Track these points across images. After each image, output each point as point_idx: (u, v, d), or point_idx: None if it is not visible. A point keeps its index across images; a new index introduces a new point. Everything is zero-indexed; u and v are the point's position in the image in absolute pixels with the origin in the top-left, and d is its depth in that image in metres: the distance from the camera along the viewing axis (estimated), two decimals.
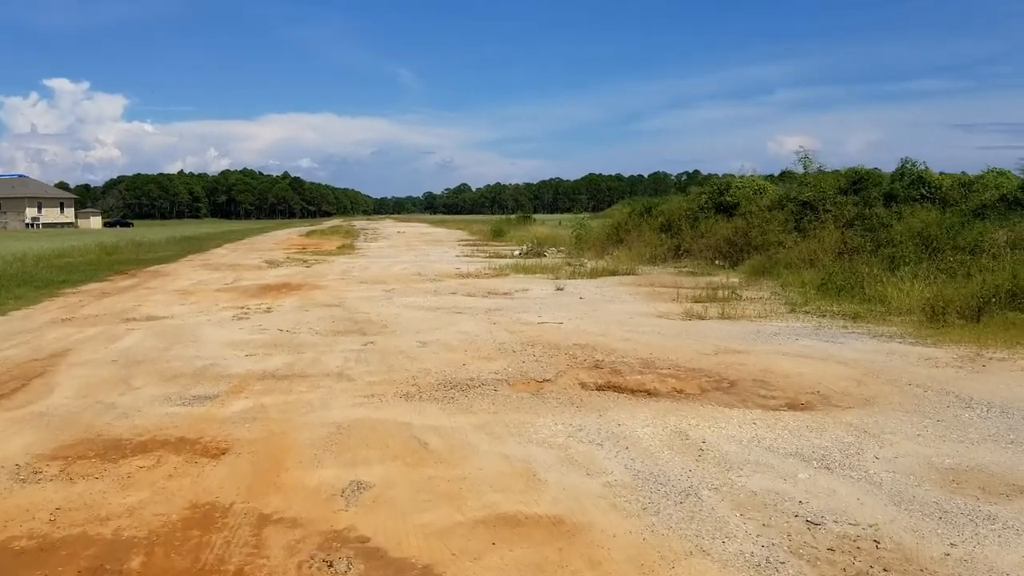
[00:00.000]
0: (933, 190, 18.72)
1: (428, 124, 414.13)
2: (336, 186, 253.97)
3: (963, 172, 19.08)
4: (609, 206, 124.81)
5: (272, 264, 27.51)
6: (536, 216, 78.63)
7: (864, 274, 14.69)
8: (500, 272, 22.10)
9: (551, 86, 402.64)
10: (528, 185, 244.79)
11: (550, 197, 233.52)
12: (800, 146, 23.34)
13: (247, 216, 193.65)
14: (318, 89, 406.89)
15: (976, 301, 11.14)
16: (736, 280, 18.53)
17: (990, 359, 8.89)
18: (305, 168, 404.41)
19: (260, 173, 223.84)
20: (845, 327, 11.44)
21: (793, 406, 7.07)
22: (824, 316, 12.49)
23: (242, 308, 14.75)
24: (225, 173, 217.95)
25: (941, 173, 19.39)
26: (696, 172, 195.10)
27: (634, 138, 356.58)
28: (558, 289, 17.30)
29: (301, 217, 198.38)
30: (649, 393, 7.72)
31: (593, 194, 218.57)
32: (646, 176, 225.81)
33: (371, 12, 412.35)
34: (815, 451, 5.62)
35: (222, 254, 35.24)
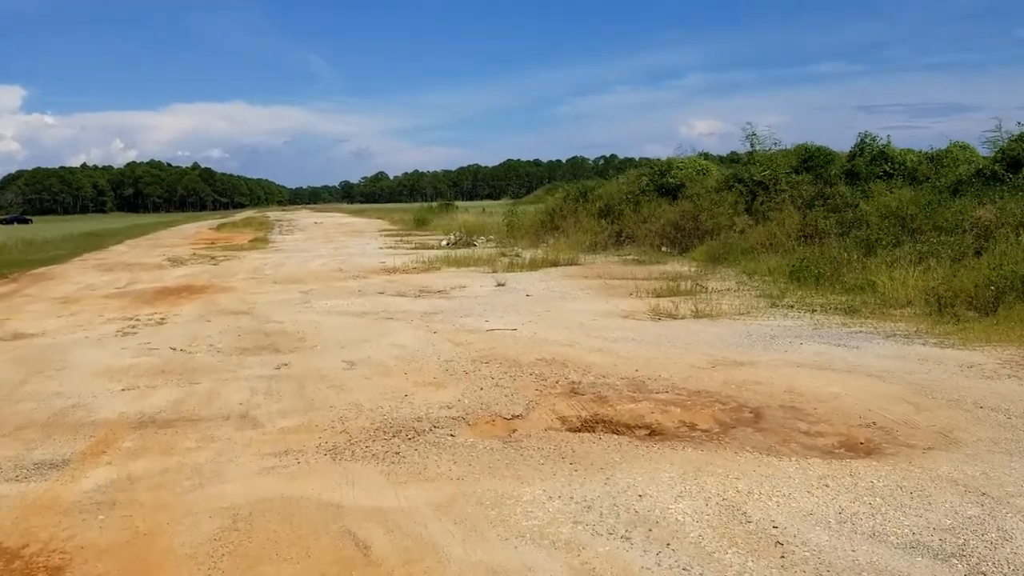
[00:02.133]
0: (896, 166, 17.49)
1: (342, 112, 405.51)
2: (249, 177, 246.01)
3: (932, 147, 17.94)
4: (529, 192, 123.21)
5: (175, 262, 24.79)
6: (459, 203, 76.35)
7: (841, 260, 13.22)
8: (430, 266, 20.06)
9: (466, 73, 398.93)
10: (447, 172, 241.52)
11: (469, 184, 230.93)
12: (749, 124, 21.98)
13: (156, 209, 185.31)
14: (227, 77, 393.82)
15: (990, 291, 9.68)
16: (691, 269, 16.95)
17: None
18: (216, 159, 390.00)
19: (169, 164, 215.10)
20: (845, 325, 9.85)
21: (854, 448, 5.34)
22: (814, 311, 10.91)
23: (130, 320, 12.39)
24: (131, 165, 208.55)
25: (906, 149, 18.21)
26: (613, 156, 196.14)
27: (550, 124, 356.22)
28: (499, 285, 15.39)
29: (213, 209, 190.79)
30: (653, 432, 5.89)
31: (512, 180, 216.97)
32: (564, 161, 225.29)
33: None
34: (943, 539, 3.84)
35: (121, 252, 32.09)
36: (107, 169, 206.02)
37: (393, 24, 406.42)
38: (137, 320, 12.37)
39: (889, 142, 18.32)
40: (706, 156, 26.49)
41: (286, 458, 5.50)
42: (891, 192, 15.91)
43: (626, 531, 4.04)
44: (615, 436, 5.76)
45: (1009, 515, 4.05)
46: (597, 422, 6.19)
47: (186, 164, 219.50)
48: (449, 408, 6.61)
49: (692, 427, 5.97)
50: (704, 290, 13.40)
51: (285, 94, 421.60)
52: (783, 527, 3.99)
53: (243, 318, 12.23)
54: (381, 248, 28.34)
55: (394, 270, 19.47)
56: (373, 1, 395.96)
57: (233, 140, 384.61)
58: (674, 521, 4.13)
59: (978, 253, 12.62)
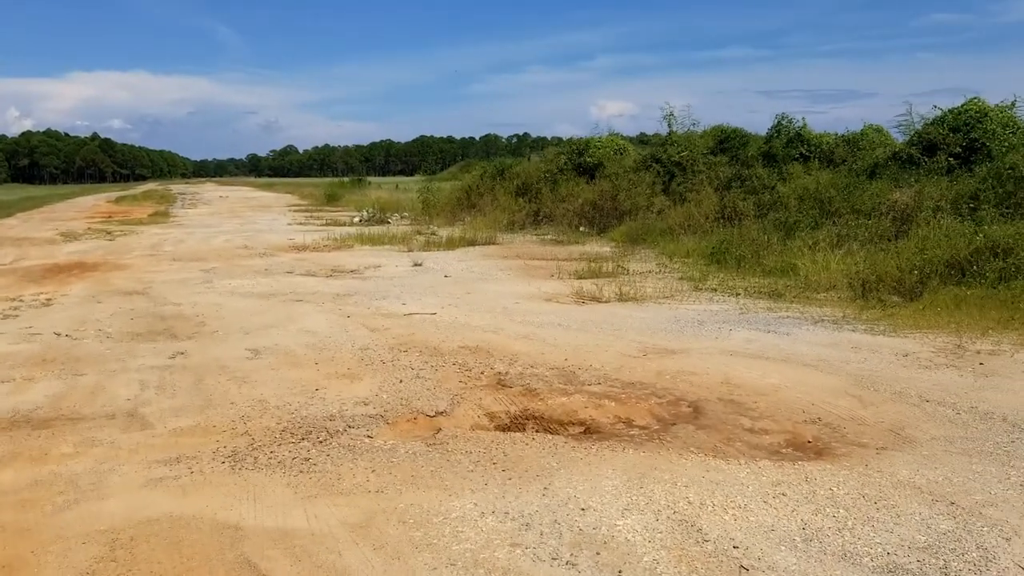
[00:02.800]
0: (812, 148, 17.55)
1: (250, 83, 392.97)
2: (151, 148, 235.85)
3: (848, 130, 18.05)
4: (443, 168, 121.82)
5: (68, 237, 23.16)
6: (371, 179, 74.71)
7: (761, 243, 13.10)
8: (342, 243, 19.23)
9: (378, 47, 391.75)
10: (358, 147, 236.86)
11: (382, 159, 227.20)
12: (667, 104, 21.58)
13: (53, 181, 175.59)
14: (129, 45, 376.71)
15: (914, 275, 9.62)
16: (611, 249, 16.68)
17: (979, 352, 7.24)
18: (117, 129, 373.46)
19: (66, 134, 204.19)
20: (771, 309, 9.65)
21: (802, 447, 5.01)
22: (738, 295, 10.69)
23: (12, 301, 11.28)
24: (27, 134, 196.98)
25: (822, 132, 18.30)
26: (526, 135, 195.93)
27: (463, 101, 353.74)
28: (415, 264, 14.77)
29: (113, 181, 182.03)
30: (588, 430, 5.46)
31: (426, 156, 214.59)
32: (477, 139, 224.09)
33: None
34: (923, 560, 3.47)
35: (10, 226, 29.88)
36: (0, 139, 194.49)
37: None
38: (20, 301, 11.28)
39: (805, 124, 18.44)
40: (619, 137, 26.31)
41: (178, 467, 4.84)
42: (808, 175, 15.94)
43: (571, 555, 3.56)
44: (548, 435, 5.30)
45: (985, 529, 3.74)
46: (528, 418, 5.71)
47: (85, 134, 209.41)
48: (366, 404, 6.03)
49: (629, 423, 5.55)
50: (626, 272, 13.10)
51: (190, 63, 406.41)
52: (745, 547, 3.59)
53: (137, 299, 11.30)
54: (290, 224, 27.20)
55: (304, 247, 18.58)
56: None
57: (135, 110, 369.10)
58: (624, 541, 3.68)
59: (896, 236, 12.68)
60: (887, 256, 10.55)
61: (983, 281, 9.34)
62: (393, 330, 8.75)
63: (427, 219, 25.52)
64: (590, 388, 6.36)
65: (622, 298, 10.61)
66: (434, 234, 20.98)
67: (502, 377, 6.74)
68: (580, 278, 12.65)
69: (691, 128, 20.63)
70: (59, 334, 8.92)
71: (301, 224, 27.18)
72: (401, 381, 6.65)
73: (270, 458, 4.94)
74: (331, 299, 10.98)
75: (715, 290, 11.13)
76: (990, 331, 7.93)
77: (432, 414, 5.78)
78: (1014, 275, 9.29)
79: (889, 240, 12.58)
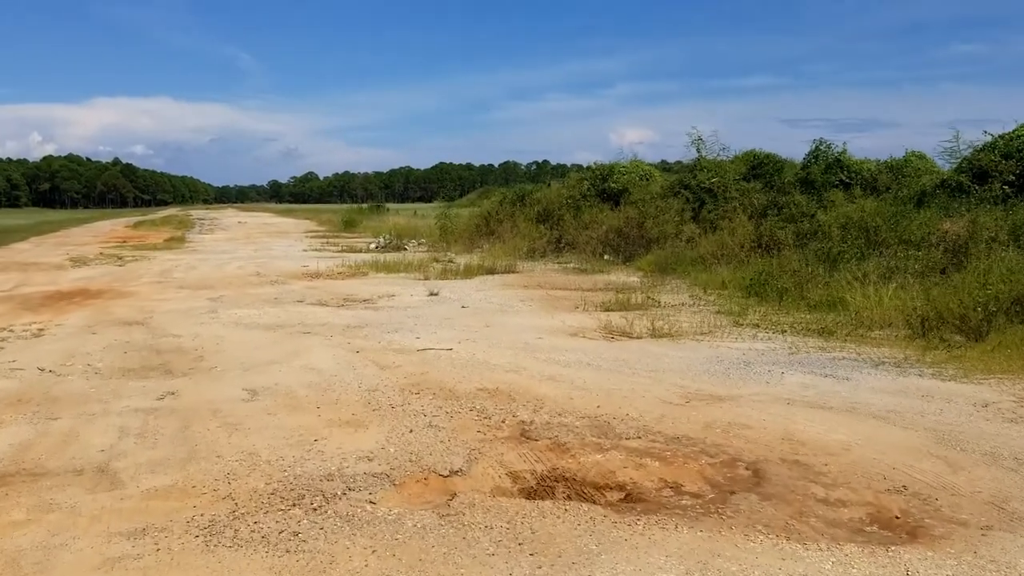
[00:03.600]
0: (853, 175, 16.68)
1: (270, 110, 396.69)
2: (173, 174, 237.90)
3: (891, 156, 17.18)
4: (461, 195, 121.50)
5: (77, 262, 22.62)
6: (389, 205, 74.37)
7: (804, 274, 12.23)
8: (357, 271, 18.52)
9: (398, 74, 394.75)
10: (378, 174, 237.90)
11: (401, 186, 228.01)
12: (695, 129, 20.33)
13: (74, 205, 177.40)
14: (152, 72, 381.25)
15: (978, 313, 8.72)
16: (638, 279, 15.85)
17: None
18: (139, 155, 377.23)
19: (88, 159, 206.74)
20: (824, 349, 8.77)
21: (890, 525, 4.15)
22: (784, 332, 9.82)
23: (2, 331, 10.60)
24: (48, 159, 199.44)
25: (862, 158, 17.44)
26: (545, 162, 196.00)
27: (482, 128, 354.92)
28: (432, 294, 13.99)
29: (135, 206, 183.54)
30: (629, 496, 4.61)
31: (444, 183, 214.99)
32: (496, 166, 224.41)
33: None
34: None
35: (22, 250, 29.47)
36: (22, 162, 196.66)
37: (324, 22, 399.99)
38: (10, 331, 10.60)
39: (845, 149, 17.57)
40: (643, 163, 25.56)
41: (142, 541, 4.04)
42: (851, 202, 15.07)
43: None
44: (583, 504, 4.46)
45: None
46: (557, 480, 4.88)
47: (107, 160, 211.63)
48: (370, 460, 5.22)
49: (678, 489, 4.71)
50: (657, 304, 12.26)
51: (212, 91, 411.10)
52: None
53: (136, 330, 10.58)
54: (305, 251, 26.58)
55: (317, 275, 17.89)
56: None
57: (157, 136, 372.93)
58: None
59: (949, 269, 11.79)
60: (945, 291, 9.65)
61: None
62: (405, 368, 7.95)
63: (445, 246, 24.83)
64: (628, 443, 5.52)
65: (655, 334, 9.77)
66: (451, 262, 20.26)
67: (526, 427, 5.91)
68: (607, 310, 11.83)
69: (720, 153, 19.82)
70: (43, 369, 8.20)
71: (317, 251, 26.55)
72: (411, 431, 5.83)
73: (253, 531, 4.13)
74: (341, 331, 10.21)
75: (758, 326, 10.26)
76: None
77: (446, 473, 4.96)
78: None
79: (942, 273, 11.69)
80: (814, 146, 18.20)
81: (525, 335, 9.81)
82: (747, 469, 4.97)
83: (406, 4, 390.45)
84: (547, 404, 6.53)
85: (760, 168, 19.14)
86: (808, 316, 10.72)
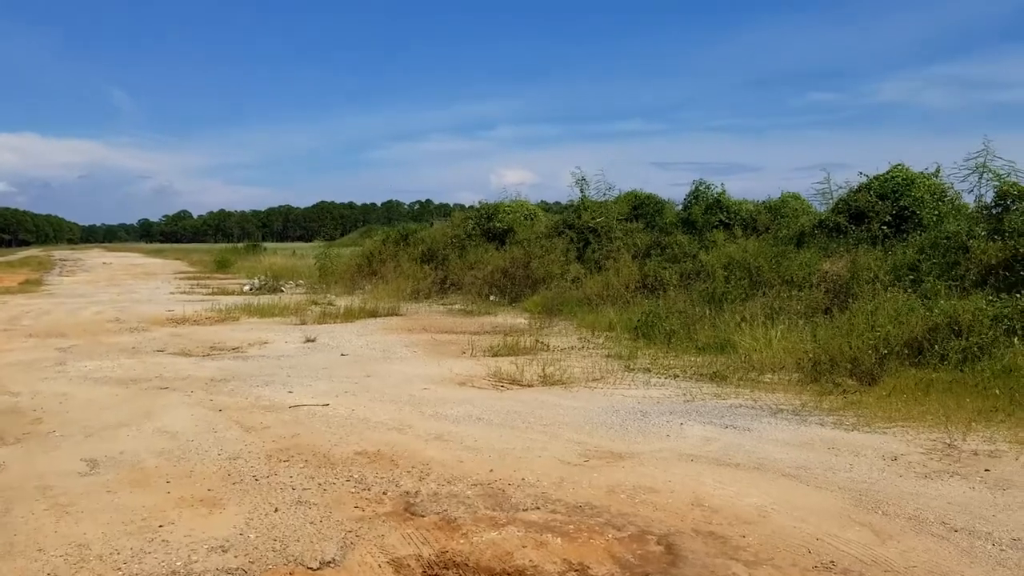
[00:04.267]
0: (732, 215, 16.84)
1: (144, 148, 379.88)
2: (37, 212, 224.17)
3: (769, 197, 17.45)
4: (343, 234, 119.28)
5: None
6: (267, 245, 71.96)
7: (690, 315, 12.05)
8: (227, 315, 17.33)
9: (277, 112, 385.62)
10: (256, 212, 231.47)
11: (280, 225, 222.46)
12: (578, 169, 19.79)
13: None
14: (18, 107, 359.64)
15: (870, 356, 8.63)
16: (524, 321, 15.41)
17: (976, 453, 6.16)
18: (2, 192, 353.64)
19: None
20: (718, 396, 8.45)
21: None
22: (676, 377, 9.50)
23: None
24: None
25: (741, 199, 17.66)
26: (428, 201, 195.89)
27: (364, 167, 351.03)
28: (308, 340, 13.09)
29: None
30: None
31: (326, 222, 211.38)
32: (379, 204, 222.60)
33: (79, 27, 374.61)
34: None
35: None
36: None
37: (199, 59, 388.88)
38: None
39: (724, 190, 17.76)
40: (528, 203, 25.37)
41: None
42: (733, 242, 15.14)
43: None
44: None
45: None
46: (447, 567, 4.23)
47: None
48: (224, 550, 4.41)
49: (584, 573, 4.13)
50: (547, 348, 11.81)
51: (83, 126, 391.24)
52: None
53: None
54: (172, 293, 24.93)
55: (183, 320, 16.61)
56: (177, 34, 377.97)
57: (22, 173, 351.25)
58: None
59: (831, 309, 11.86)
60: (832, 332, 9.58)
61: (946, 363, 8.42)
62: (274, 429, 7.12)
63: (324, 288, 23.78)
64: (526, 515, 4.92)
65: (547, 381, 9.27)
66: (331, 304, 19.30)
67: (411, 500, 5.23)
68: (496, 355, 11.30)
69: (605, 194, 19.75)
70: None
71: (185, 293, 24.98)
72: (277, 509, 5.05)
73: None
74: (203, 386, 9.24)
75: (649, 370, 9.92)
76: (974, 424, 6.90)
77: (315, 566, 4.22)
78: (978, 356, 8.40)
79: (825, 313, 11.74)
80: (694, 187, 18.40)
81: (410, 386, 9.12)
82: (659, 544, 4.45)
83: (286, 43, 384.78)
84: (434, 469, 5.86)
85: (642, 208, 19.17)
86: (698, 359, 10.48)
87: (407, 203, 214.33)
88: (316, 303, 19.56)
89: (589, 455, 6.21)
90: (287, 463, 6.07)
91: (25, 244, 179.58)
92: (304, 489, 5.45)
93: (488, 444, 6.54)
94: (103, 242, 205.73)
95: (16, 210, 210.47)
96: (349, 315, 16.67)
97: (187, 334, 14.39)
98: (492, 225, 22.28)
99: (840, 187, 15.26)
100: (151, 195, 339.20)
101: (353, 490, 5.43)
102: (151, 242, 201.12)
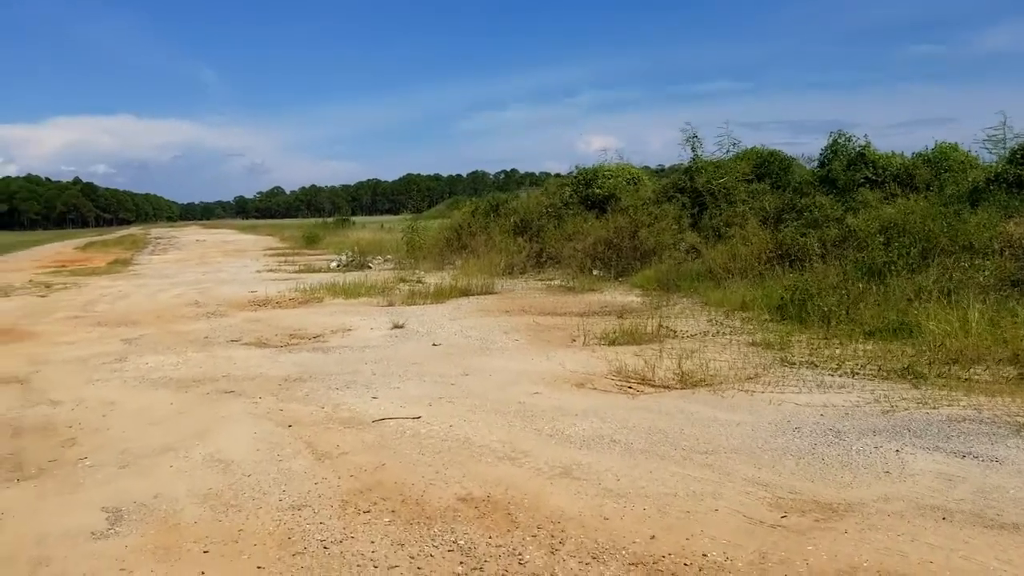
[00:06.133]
0: (879, 171, 14.46)
1: (235, 126, 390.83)
2: (136, 192, 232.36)
3: (925, 148, 14.91)
4: (430, 206, 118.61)
5: None
6: (356, 219, 71.60)
7: (852, 292, 9.99)
8: (311, 296, 16.03)
9: (361, 87, 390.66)
10: (345, 187, 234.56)
11: (368, 199, 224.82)
12: (688, 125, 17.68)
13: (33, 227, 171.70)
14: (113, 90, 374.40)
15: None
16: (637, 299, 13.57)
17: None
18: (102, 174, 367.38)
19: (48, 179, 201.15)
20: (923, 402, 6.44)
21: None
22: (854, 373, 7.53)
23: None
24: (6, 180, 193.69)
25: (889, 152, 15.16)
26: (514, 171, 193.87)
27: (449, 139, 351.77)
28: (396, 326, 11.57)
29: (96, 226, 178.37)
30: None
31: (412, 194, 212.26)
32: (464, 175, 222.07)
33: (169, 9, 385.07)
34: None
35: None
36: None
37: (287, 37, 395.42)
38: None
39: (868, 143, 15.29)
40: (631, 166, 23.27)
41: None
42: (890, 202, 12.86)
43: None
44: None
45: None
46: None
47: (70, 179, 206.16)
48: None
49: None
50: (673, 334, 9.96)
51: (175, 107, 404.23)
52: None
53: (6, 393, 8.07)
54: (259, 272, 23.98)
55: (265, 303, 15.39)
56: (266, 14, 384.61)
57: (120, 155, 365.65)
58: None
59: (1018, 283, 9.66)
60: None
61: None
62: (353, 457, 5.53)
63: (413, 263, 22.38)
64: None
65: (686, 381, 7.44)
66: (420, 281, 17.85)
67: None
68: (613, 344, 9.54)
69: (730, 150, 17.41)
70: None
71: (271, 271, 24.00)
72: None
73: None
74: (275, 389, 7.77)
75: (814, 365, 7.96)
76: None
77: None
78: None
79: (1013, 286, 9.55)
80: (831, 139, 15.94)
81: (517, 388, 7.43)
82: None
83: (368, 19, 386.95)
84: (569, 532, 4.15)
85: (765, 167, 16.92)
86: (870, 347, 8.47)
87: (492, 173, 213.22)
88: (404, 280, 18.13)
89: (785, 507, 4.39)
90: (368, 515, 4.46)
91: (126, 223, 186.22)
92: (391, 567, 3.81)
93: (635, 486, 4.78)
94: (200, 219, 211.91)
95: (117, 191, 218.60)
96: (440, 294, 15.12)
97: (267, 319, 13.09)
98: (591, 192, 20.35)
99: (1015, 136, 12.76)
100: (244, 172, 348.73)
101: (460, 571, 3.76)
102: (246, 218, 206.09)
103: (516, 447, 5.62)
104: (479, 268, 18.40)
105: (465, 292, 15.43)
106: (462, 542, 4.07)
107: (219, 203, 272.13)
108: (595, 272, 17.15)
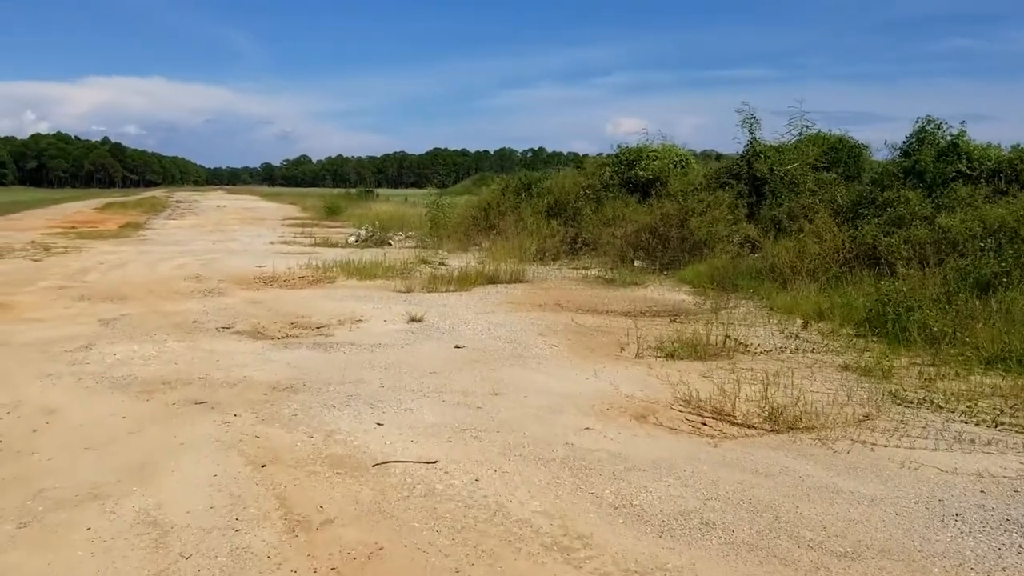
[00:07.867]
0: (975, 165, 12.60)
1: (266, 93, 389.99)
2: (164, 154, 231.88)
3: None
4: (456, 182, 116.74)
5: None
6: (380, 191, 70.08)
7: (963, 308, 8.27)
8: (323, 275, 14.48)
9: (392, 59, 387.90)
10: (372, 158, 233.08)
11: (394, 171, 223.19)
12: (746, 105, 15.85)
13: (60, 184, 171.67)
14: (146, 51, 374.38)
15: None
16: (689, 298, 11.91)
17: None
18: (132, 135, 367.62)
19: (76, 138, 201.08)
20: None
21: None
22: (999, 426, 5.84)
23: None
24: (36, 137, 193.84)
25: (985, 143, 13.28)
26: (541, 149, 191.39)
27: (476, 115, 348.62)
28: (413, 320, 9.98)
29: (123, 187, 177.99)
30: None
31: (439, 169, 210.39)
32: (492, 152, 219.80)
33: None
34: None
35: None
36: (9, 140, 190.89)
37: (320, 5, 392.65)
38: None
39: (963, 132, 13.39)
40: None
41: None
42: (990, 201, 11.06)
43: None
44: None
45: None
46: None
47: (99, 139, 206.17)
48: None
49: None
50: (745, 348, 8.30)
51: (208, 71, 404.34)
52: None
53: None
54: (273, 243, 22.49)
55: (272, 280, 13.89)
56: None
57: (151, 117, 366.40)
58: None
59: None
60: None
61: None
62: (341, 530, 3.95)
63: (436, 242, 20.78)
64: None
65: (777, 420, 5.79)
66: (443, 264, 16.26)
67: None
68: (672, 356, 7.92)
69: (802, 132, 15.54)
70: None
71: (287, 244, 22.50)
72: None
73: None
74: (256, 402, 6.21)
75: (935, 404, 6.27)
76: None
77: None
78: None
79: None
80: (918, 126, 14.03)
81: (562, 419, 5.82)
82: None
83: None
84: None
85: (835, 154, 15.10)
86: (998, 382, 6.78)
87: (520, 151, 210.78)
88: (425, 262, 16.56)
89: None
90: None
91: (152, 184, 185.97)
92: None
93: None
94: (227, 184, 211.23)
95: (145, 152, 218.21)
96: (464, 280, 13.50)
97: (269, 301, 11.57)
98: (634, 174, 18.62)
99: None
100: (273, 140, 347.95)
101: None
102: (272, 185, 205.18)
103: (569, 527, 4.01)
104: (508, 252, 16.77)
105: (493, 279, 13.82)
106: None
107: (246, 169, 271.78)
108: (636, 263, 15.49)
